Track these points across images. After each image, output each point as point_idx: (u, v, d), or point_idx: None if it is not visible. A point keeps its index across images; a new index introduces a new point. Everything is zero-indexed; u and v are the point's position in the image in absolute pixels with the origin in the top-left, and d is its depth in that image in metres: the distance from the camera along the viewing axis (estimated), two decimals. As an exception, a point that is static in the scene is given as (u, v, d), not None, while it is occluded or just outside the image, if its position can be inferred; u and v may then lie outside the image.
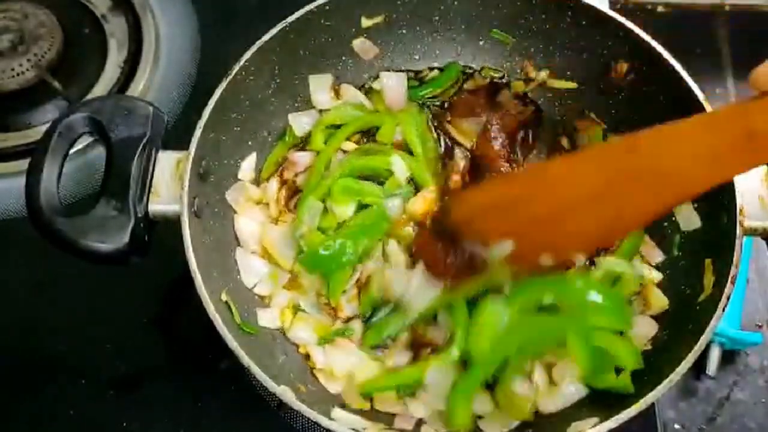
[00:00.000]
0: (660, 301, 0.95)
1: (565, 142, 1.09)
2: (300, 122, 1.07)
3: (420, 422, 0.91)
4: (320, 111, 1.08)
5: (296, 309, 0.97)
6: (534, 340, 0.87)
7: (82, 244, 0.85)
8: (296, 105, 1.08)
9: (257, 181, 1.04)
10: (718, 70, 1.27)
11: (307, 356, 0.95)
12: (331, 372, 0.94)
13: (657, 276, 0.98)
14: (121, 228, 0.85)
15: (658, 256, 0.99)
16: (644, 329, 0.94)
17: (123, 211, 0.86)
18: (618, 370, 0.90)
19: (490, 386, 0.91)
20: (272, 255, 0.99)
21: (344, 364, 0.94)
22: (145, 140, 0.89)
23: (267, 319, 0.95)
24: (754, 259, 1.08)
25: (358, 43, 1.08)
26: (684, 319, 0.88)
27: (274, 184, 1.04)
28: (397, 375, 0.93)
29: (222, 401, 1.02)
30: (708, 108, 0.90)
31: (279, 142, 1.07)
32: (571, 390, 0.89)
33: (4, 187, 1.14)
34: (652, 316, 0.95)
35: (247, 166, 1.03)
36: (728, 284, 0.82)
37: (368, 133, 1.07)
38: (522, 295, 0.85)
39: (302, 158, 1.05)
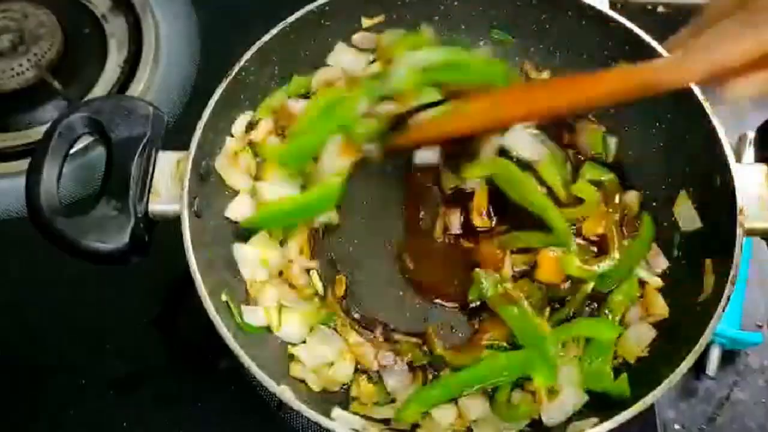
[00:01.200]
0: (661, 309, 0.94)
1: (565, 141, 1.08)
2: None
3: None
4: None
5: (282, 306, 0.96)
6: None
7: (82, 244, 0.85)
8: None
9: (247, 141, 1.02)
10: (718, 70, 1.27)
11: (292, 356, 0.94)
12: (314, 370, 0.93)
13: (657, 282, 0.97)
14: (121, 228, 0.85)
15: (663, 264, 0.98)
16: (642, 336, 0.93)
17: (123, 211, 0.86)
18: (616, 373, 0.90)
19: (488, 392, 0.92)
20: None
21: (326, 354, 0.94)
22: (145, 140, 0.89)
23: (253, 317, 0.94)
24: (754, 260, 1.08)
25: (358, 37, 1.07)
26: (684, 319, 0.88)
27: (266, 125, 1.02)
28: None
29: (222, 401, 1.02)
30: (708, 109, 0.90)
31: (279, 89, 1.05)
32: (572, 399, 0.88)
33: (4, 187, 1.14)
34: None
35: (240, 124, 1.01)
36: (728, 284, 0.82)
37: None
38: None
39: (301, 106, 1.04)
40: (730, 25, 0.66)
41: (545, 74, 1.09)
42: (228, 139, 0.99)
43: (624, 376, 0.87)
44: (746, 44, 0.65)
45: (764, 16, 0.64)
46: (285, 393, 0.82)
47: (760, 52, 0.65)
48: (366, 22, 1.06)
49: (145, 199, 0.88)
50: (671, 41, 0.80)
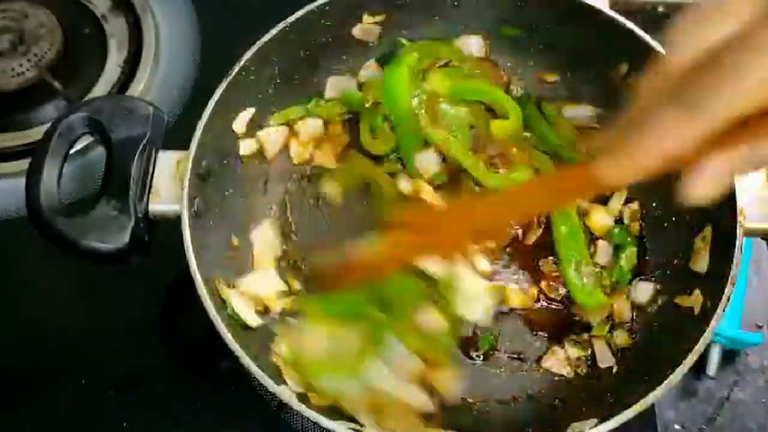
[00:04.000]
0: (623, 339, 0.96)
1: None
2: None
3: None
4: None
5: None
6: None
7: (82, 244, 0.85)
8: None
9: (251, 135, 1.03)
10: (718, 70, 1.27)
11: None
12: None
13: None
14: (122, 228, 0.86)
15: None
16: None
17: (123, 211, 0.86)
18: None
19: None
20: None
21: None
22: (145, 140, 0.89)
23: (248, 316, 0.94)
24: (754, 260, 1.08)
25: (358, 29, 1.07)
26: (684, 319, 0.88)
27: (278, 134, 1.05)
28: None
29: (222, 401, 1.02)
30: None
31: (300, 102, 1.07)
32: None
33: (4, 187, 1.14)
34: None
35: (243, 118, 1.01)
36: (728, 285, 0.82)
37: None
38: None
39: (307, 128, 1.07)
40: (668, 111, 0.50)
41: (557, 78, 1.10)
42: (240, 142, 1.01)
43: None
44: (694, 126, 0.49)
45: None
46: (285, 393, 0.82)
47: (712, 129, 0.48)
48: (367, 21, 1.06)
49: (145, 199, 0.88)
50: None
